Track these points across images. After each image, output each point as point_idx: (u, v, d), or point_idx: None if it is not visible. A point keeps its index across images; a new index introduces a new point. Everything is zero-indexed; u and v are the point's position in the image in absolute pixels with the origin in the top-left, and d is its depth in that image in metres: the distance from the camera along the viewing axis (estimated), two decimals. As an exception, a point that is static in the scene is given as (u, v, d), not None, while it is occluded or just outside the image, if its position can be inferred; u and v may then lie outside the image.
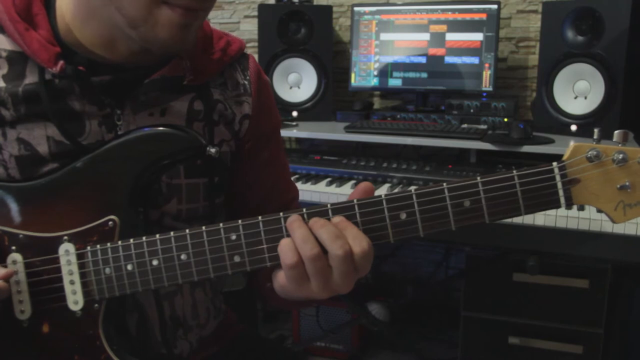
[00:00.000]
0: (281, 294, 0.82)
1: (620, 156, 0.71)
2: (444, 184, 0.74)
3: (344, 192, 1.76)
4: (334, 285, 0.74)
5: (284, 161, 1.09)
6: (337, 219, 0.74)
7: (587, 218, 1.49)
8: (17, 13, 0.82)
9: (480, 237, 1.62)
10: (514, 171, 0.73)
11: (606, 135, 0.79)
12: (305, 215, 0.76)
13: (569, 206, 0.74)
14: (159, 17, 0.77)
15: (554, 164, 0.73)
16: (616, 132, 0.73)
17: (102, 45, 0.83)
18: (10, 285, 0.81)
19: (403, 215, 0.75)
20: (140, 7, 0.76)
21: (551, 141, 1.85)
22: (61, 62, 0.81)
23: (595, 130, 0.76)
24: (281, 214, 0.77)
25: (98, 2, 0.79)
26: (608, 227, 1.48)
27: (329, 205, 0.76)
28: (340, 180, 1.85)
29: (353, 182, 1.84)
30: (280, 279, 0.79)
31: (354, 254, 0.72)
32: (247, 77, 0.99)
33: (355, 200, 0.75)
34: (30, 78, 0.83)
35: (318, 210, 0.76)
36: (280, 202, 1.03)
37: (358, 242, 0.73)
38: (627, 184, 0.72)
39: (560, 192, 0.73)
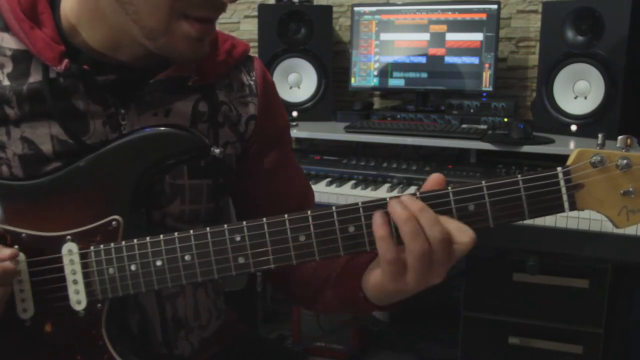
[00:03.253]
0: (371, 291, 0.81)
1: (624, 162, 0.72)
2: (449, 187, 0.74)
3: (344, 192, 1.76)
4: (430, 277, 0.74)
5: (294, 163, 1.08)
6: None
7: (587, 218, 1.50)
8: (22, 11, 0.82)
9: (480, 237, 1.61)
10: (519, 176, 0.73)
11: (606, 135, 0.79)
12: (310, 218, 0.76)
13: (572, 211, 0.74)
14: (177, 31, 0.78)
15: (559, 169, 0.73)
16: (620, 137, 0.73)
17: (108, 46, 0.83)
18: (14, 291, 0.81)
19: None
20: (159, 20, 0.76)
21: (551, 141, 1.85)
22: (66, 61, 0.81)
23: (600, 135, 0.76)
24: (286, 215, 0.77)
25: (109, 9, 0.78)
26: (608, 227, 1.48)
27: (333, 208, 0.75)
28: (340, 180, 1.85)
29: (353, 182, 1.84)
30: (375, 275, 0.78)
31: (456, 243, 0.72)
32: (253, 78, 0.99)
33: (360, 203, 0.75)
34: (35, 76, 0.82)
35: (322, 212, 0.76)
36: (295, 204, 1.01)
37: (464, 233, 0.72)
38: (631, 189, 0.72)
39: (565, 197, 0.73)
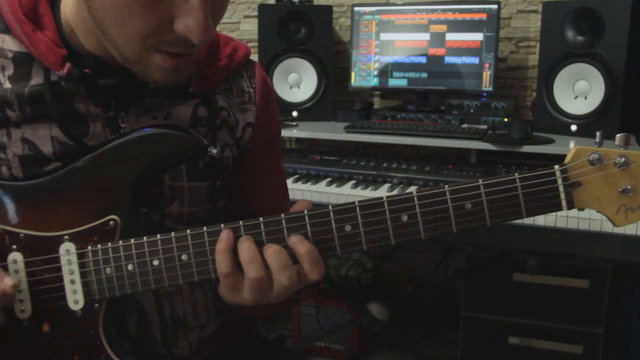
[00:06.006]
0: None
1: (622, 160, 0.72)
2: (446, 186, 0.74)
3: (344, 192, 1.76)
4: (271, 299, 0.79)
5: (282, 166, 1.11)
6: (295, 238, 0.76)
7: (587, 218, 1.49)
8: (23, 14, 0.81)
9: (480, 237, 1.62)
10: (516, 174, 0.73)
11: (606, 135, 0.79)
12: (307, 217, 0.76)
13: (570, 209, 0.74)
14: (151, 61, 0.77)
15: (556, 167, 0.73)
16: (618, 135, 0.73)
17: (105, 53, 0.82)
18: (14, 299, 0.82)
19: (404, 217, 0.75)
20: (133, 51, 0.76)
21: (551, 141, 1.85)
22: (68, 65, 0.80)
23: (597, 134, 0.76)
24: (282, 215, 0.77)
25: (94, 28, 0.77)
26: (608, 227, 1.48)
27: (330, 207, 0.76)
28: (340, 180, 1.85)
29: (353, 182, 1.84)
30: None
31: (309, 281, 0.77)
32: (253, 85, 0.99)
33: (356, 202, 0.75)
34: (36, 79, 0.82)
35: (319, 211, 0.76)
36: (278, 207, 1.03)
37: (318, 269, 0.76)
38: (629, 187, 0.72)
39: (562, 195, 0.73)
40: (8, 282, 0.78)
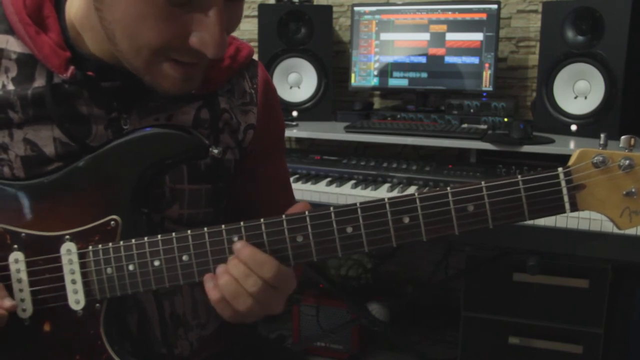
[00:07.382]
0: None
1: (627, 162, 0.71)
2: (448, 188, 0.74)
3: (344, 192, 1.76)
4: (263, 311, 0.81)
5: (286, 168, 1.10)
6: (239, 244, 0.77)
7: (587, 218, 1.49)
8: (27, 15, 0.81)
9: (480, 237, 1.62)
10: (519, 176, 0.73)
11: (608, 136, 0.79)
12: (308, 218, 0.76)
13: (573, 212, 0.73)
14: (161, 71, 0.77)
15: (560, 169, 0.73)
16: (622, 137, 0.73)
17: (110, 57, 0.82)
18: (14, 290, 0.82)
19: (406, 220, 0.75)
20: (142, 61, 0.76)
21: (551, 141, 1.85)
22: (72, 68, 0.80)
23: (602, 136, 0.76)
24: (283, 216, 0.77)
25: (104, 37, 0.77)
26: (608, 227, 1.48)
27: (331, 209, 0.76)
28: (340, 180, 1.85)
29: (353, 182, 1.84)
30: None
31: (267, 281, 0.77)
32: (255, 86, 0.98)
33: (358, 204, 0.75)
34: (40, 81, 0.82)
35: (320, 213, 0.76)
36: (285, 208, 1.02)
37: (267, 269, 0.76)
38: (633, 190, 0.71)
39: (565, 198, 0.73)
40: (7, 303, 0.80)
